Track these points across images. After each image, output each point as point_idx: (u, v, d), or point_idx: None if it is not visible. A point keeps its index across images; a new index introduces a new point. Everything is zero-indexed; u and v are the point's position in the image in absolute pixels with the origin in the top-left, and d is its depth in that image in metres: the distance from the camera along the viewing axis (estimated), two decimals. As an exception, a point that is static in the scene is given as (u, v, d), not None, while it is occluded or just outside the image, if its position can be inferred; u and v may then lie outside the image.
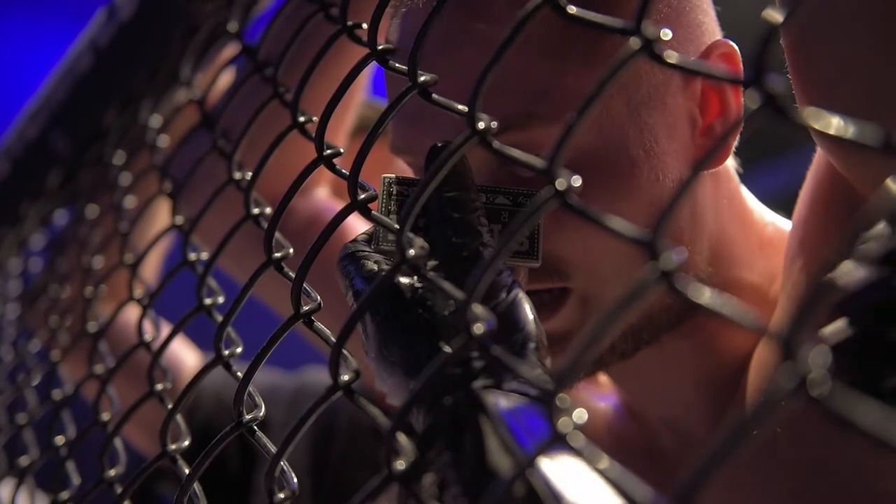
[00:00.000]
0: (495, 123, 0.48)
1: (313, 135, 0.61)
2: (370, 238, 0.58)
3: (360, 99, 1.07)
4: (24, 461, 0.92)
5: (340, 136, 1.01)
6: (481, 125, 0.48)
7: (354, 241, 0.58)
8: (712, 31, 0.71)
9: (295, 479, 0.53)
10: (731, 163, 0.75)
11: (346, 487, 1.28)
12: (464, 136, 0.48)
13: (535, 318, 0.52)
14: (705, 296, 0.36)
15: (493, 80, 0.65)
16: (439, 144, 0.58)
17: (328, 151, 0.59)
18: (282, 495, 0.52)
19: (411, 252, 0.48)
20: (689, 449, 0.75)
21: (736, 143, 0.71)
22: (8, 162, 1.26)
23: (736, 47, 0.69)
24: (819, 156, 0.67)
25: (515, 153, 0.47)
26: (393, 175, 0.61)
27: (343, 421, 1.33)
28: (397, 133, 0.70)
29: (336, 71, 0.88)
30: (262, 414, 0.57)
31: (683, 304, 0.37)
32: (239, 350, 0.63)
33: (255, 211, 0.66)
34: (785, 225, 0.76)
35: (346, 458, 1.31)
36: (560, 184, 0.43)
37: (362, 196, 0.54)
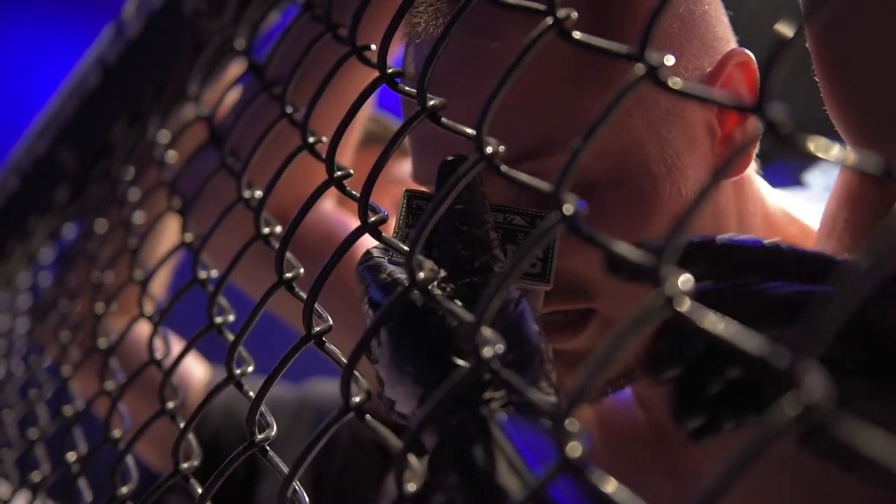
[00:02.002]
0: (503, 147, 0.48)
1: (323, 155, 0.61)
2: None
3: (366, 115, 1.08)
4: (36, 476, 0.92)
5: (347, 152, 1.01)
6: (489, 149, 0.48)
7: (374, 248, 0.59)
8: (726, 39, 0.71)
9: (307, 499, 0.53)
10: (752, 170, 0.74)
11: (346, 500, 1.29)
12: (472, 160, 0.48)
13: (541, 331, 0.53)
14: (709, 320, 0.37)
15: (513, 108, 0.66)
16: (450, 159, 0.59)
17: (339, 173, 0.60)
18: None
19: (421, 275, 0.48)
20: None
21: (757, 149, 0.71)
22: (16, 177, 1.27)
23: (751, 55, 0.69)
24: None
25: (523, 177, 0.47)
26: (414, 189, 0.62)
27: (344, 434, 1.34)
28: (417, 162, 0.70)
29: (345, 90, 0.89)
30: (273, 433, 0.57)
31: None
32: (250, 369, 0.63)
33: (266, 230, 0.66)
34: (807, 219, 0.76)
35: (346, 471, 1.32)
36: (567, 209, 0.43)
37: (373, 218, 0.54)
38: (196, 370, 1.35)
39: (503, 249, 0.58)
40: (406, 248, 0.49)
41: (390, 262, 0.56)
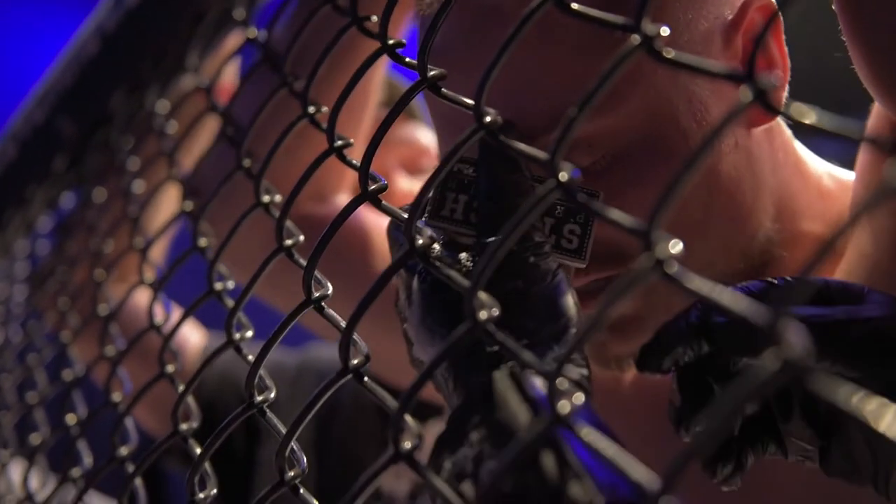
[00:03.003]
0: (501, 118, 0.49)
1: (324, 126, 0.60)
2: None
3: (376, 98, 1.06)
4: (34, 439, 0.93)
5: (360, 137, 1.00)
6: (487, 119, 0.49)
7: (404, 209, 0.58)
8: None
9: (304, 458, 0.54)
10: (781, 120, 0.73)
11: (349, 463, 1.30)
12: (470, 129, 0.49)
13: (577, 303, 0.53)
14: (696, 284, 0.38)
15: (528, 82, 0.65)
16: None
17: (339, 143, 0.59)
18: (292, 473, 0.53)
19: (420, 241, 0.49)
20: None
21: (786, 94, 0.69)
22: (15, 145, 1.28)
23: None
24: (877, 106, 0.66)
25: (521, 147, 0.48)
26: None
27: (347, 397, 1.36)
28: (441, 140, 0.70)
29: (351, 66, 0.87)
30: (272, 395, 0.58)
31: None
32: (249, 334, 0.64)
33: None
34: (841, 173, 0.76)
35: (349, 434, 1.33)
36: (562, 176, 0.44)
37: (373, 187, 0.54)
38: (191, 336, 1.37)
39: (542, 221, 0.58)
40: (405, 214, 0.50)
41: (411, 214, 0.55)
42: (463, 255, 0.55)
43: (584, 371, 0.50)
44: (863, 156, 0.69)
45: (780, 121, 0.74)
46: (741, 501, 0.73)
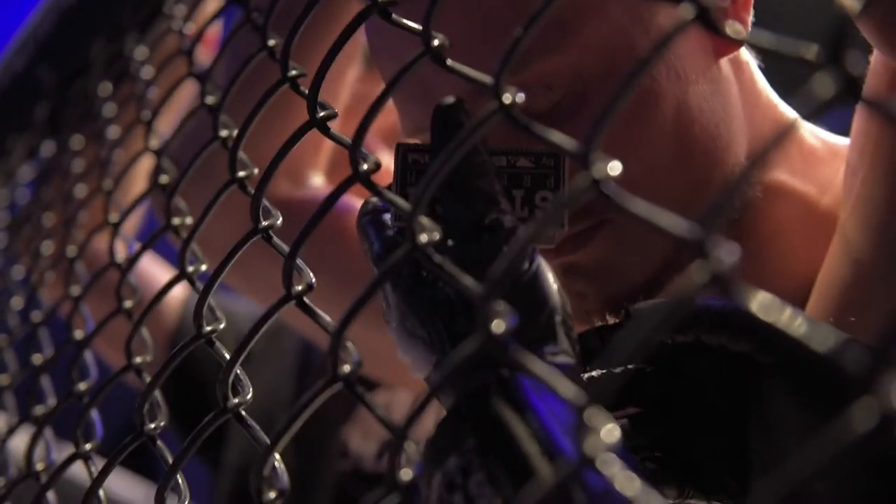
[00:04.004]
0: (522, 96, 0.44)
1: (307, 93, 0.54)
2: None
3: (355, 71, 1.03)
4: (3, 380, 0.94)
5: (342, 90, 0.97)
6: (507, 99, 0.43)
7: (371, 198, 0.55)
8: None
9: (286, 478, 0.48)
10: (750, 57, 0.72)
11: (312, 422, 1.30)
12: (487, 111, 0.43)
13: (559, 287, 0.50)
14: (633, 204, 0.38)
15: (490, 16, 0.63)
16: (447, 102, 0.54)
17: (322, 113, 0.54)
18: (272, 494, 0.47)
19: (422, 238, 0.44)
20: None
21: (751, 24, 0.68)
22: (-5, 94, 1.27)
23: None
24: (876, 65, 0.62)
25: (544, 130, 0.43)
26: (409, 142, 0.57)
27: (318, 357, 1.36)
28: (404, 110, 0.66)
29: (335, 29, 0.82)
30: (221, 326, 0.58)
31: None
32: (204, 267, 0.64)
33: (265, 223, 0.57)
34: (829, 136, 0.74)
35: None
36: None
37: (364, 167, 0.49)
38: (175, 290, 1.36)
39: (510, 196, 0.55)
40: (406, 206, 0.45)
41: (392, 215, 0.53)
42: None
43: (571, 360, 0.48)
44: (858, 120, 0.67)
45: (750, 63, 0.72)
46: None
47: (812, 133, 0.74)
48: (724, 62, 0.69)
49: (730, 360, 0.48)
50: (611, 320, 0.69)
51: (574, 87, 0.63)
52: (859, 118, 0.67)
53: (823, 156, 0.73)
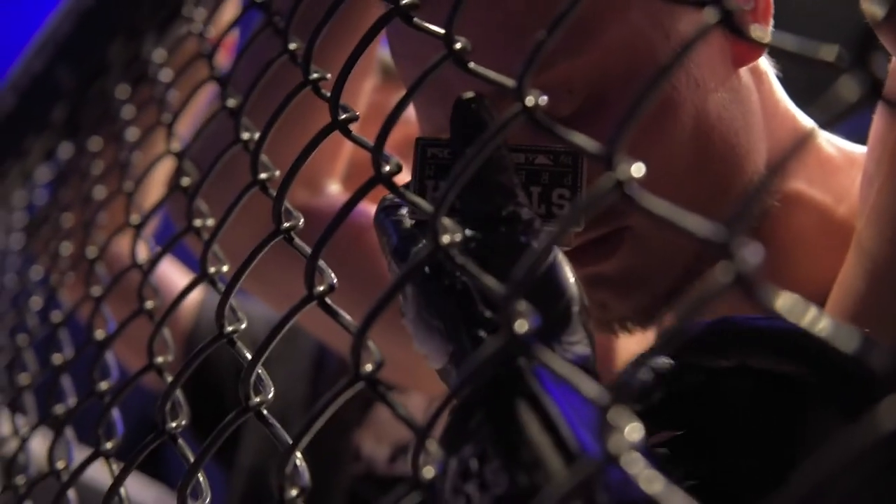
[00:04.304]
0: (544, 99, 0.44)
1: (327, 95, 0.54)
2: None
3: (373, 78, 1.03)
4: (24, 379, 0.94)
5: (361, 99, 0.97)
6: (530, 101, 0.43)
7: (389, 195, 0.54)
8: None
9: (307, 476, 0.48)
10: (769, 67, 0.73)
11: (329, 423, 1.31)
12: (510, 113, 0.43)
13: (576, 279, 0.50)
14: (656, 205, 0.38)
15: (511, 19, 0.63)
16: (467, 96, 0.54)
17: (343, 116, 0.54)
18: (294, 492, 0.47)
19: (445, 239, 0.44)
20: None
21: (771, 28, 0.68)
22: (14, 96, 1.28)
23: None
24: (894, 73, 0.62)
25: (566, 132, 0.43)
26: (428, 137, 0.57)
27: (332, 359, 1.36)
28: (422, 109, 0.66)
29: (357, 33, 0.81)
30: (243, 326, 0.58)
31: None
32: (225, 268, 0.64)
33: (286, 224, 0.57)
34: (846, 145, 0.74)
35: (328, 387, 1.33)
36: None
37: (387, 168, 0.49)
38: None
39: (527, 193, 0.55)
40: (428, 207, 0.45)
41: (410, 214, 0.53)
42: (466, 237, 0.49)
43: (588, 351, 0.48)
44: (875, 129, 0.66)
45: (770, 74, 0.73)
46: None
47: (829, 141, 0.74)
48: (744, 71, 0.69)
49: (775, 382, 0.47)
50: (632, 329, 0.69)
51: (595, 90, 0.63)
52: (877, 127, 0.67)
53: (840, 164, 0.73)
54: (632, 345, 0.81)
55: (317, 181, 0.99)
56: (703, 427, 0.49)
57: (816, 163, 0.73)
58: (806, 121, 0.74)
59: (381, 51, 1.06)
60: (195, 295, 1.36)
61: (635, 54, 0.63)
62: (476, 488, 0.42)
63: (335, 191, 0.99)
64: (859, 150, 0.73)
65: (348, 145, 0.99)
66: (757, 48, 0.68)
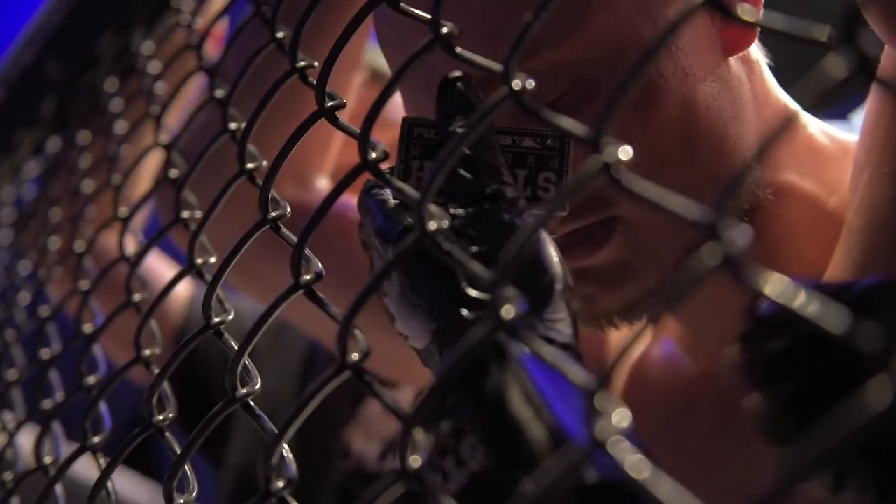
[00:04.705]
0: (532, 82, 0.43)
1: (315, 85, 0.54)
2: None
3: (363, 48, 1.03)
4: (11, 375, 0.94)
5: (350, 93, 0.96)
6: (517, 84, 0.43)
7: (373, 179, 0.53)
8: None
9: (294, 467, 0.47)
10: (761, 56, 0.72)
11: (317, 416, 1.30)
12: (497, 96, 0.43)
13: (560, 258, 0.50)
14: (644, 188, 0.37)
15: (500, 7, 0.62)
16: (453, 76, 0.54)
17: (330, 103, 0.53)
18: (280, 483, 0.46)
19: (432, 225, 0.43)
20: None
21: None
22: (3, 89, 1.27)
23: None
24: (887, 59, 0.61)
25: (553, 116, 0.42)
26: (415, 116, 0.57)
27: (322, 357, 1.35)
28: (408, 94, 0.65)
29: (343, 19, 0.80)
30: (230, 318, 0.58)
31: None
32: (212, 259, 0.64)
33: (273, 213, 0.57)
34: (839, 133, 0.73)
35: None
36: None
37: (373, 155, 0.49)
38: (180, 286, 1.36)
39: (513, 175, 0.55)
40: (415, 192, 0.45)
41: (394, 196, 0.53)
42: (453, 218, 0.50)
43: (571, 332, 0.48)
44: (867, 118, 0.66)
45: (760, 62, 0.72)
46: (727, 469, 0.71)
47: (822, 131, 0.73)
48: (734, 60, 0.68)
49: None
50: (618, 324, 0.69)
51: (582, 77, 0.62)
52: (868, 116, 0.66)
53: (833, 154, 0.72)
54: (620, 340, 0.80)
55: (305, 176, 0.98)
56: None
57: (808, 153, 0.72)
58: (799, 111, 0.74)
59: (370, 53, 1.06)
60: (185, 291, 1.35)
61: (622, 41, 0.63)
62: (452, 464, 0.42)
63: (324, 186, 0.99)
64: (854, 139, 0.72)
65: (337, 141, 0.98)
66: (747, 36, 0.67)
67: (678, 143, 0.65)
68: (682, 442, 0.73)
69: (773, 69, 0.74)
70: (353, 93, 0.99)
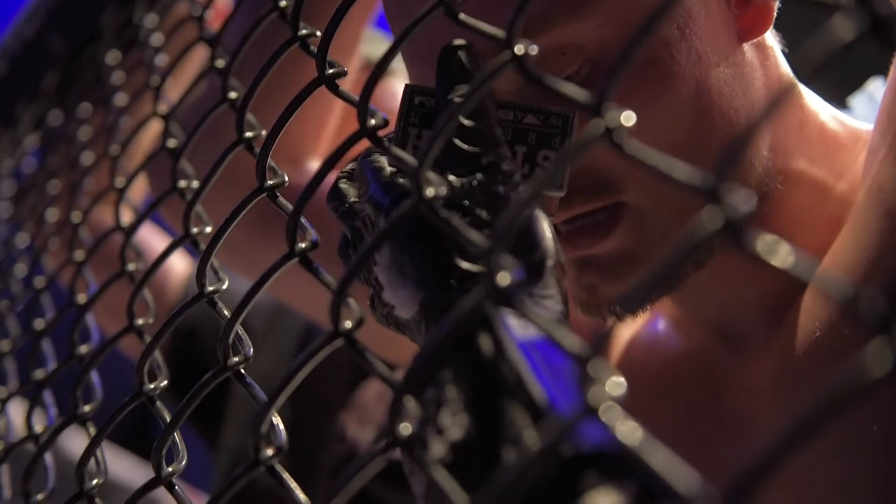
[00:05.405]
0: (535, 48, 0.43)
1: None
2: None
3: (364, 33, 1.02)
4: (4, 346, 0.93)
5: (349, 73, 0.95)
6: (519, 49, 0.42)
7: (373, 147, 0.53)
8: None
9: (284, 436, 0.47)
10: (775, 43, 0.71)
11: (313, 402, 1.30)
12: (498, 61, 0.42)
13: (553, 235, 0.49)
14: (646, 154, 0.37)
15: None
16: (454, 44, 0.54)
17: (331, 71, 0.53)
18: (270, 451, 0.46)
19: (429, 192, 0.43)
20: (742, 355, 0.71)
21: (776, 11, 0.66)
22: (5, 62, 1.27)
23: None
24: None
25: (556, 83, 0.42)
26: (417, 84, 0.56)
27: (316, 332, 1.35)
28: (410, 63, 0.64)
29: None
30: (224, 287, 0.57)
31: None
32: (208, 229, 0.63)
33: (270, 182, 0.56)
34: (852, 121, 0.72)
35: (317, 373, 1.32)
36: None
37: (372, 122, 0.48)
38: (177, 262, 1.36)
39: (512, 150, 0.54)
40: (413, 159, 0.45)
41: (391, 164, 0.52)
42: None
43: (561, 308, 0.47)
44: (883, 101, 0.65)
45: (774, 48, 0.71)
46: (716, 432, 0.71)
47: (834, 118, 0.72)
48: (748, 47, 0.68)
49: None
50: (621, 314, 0.68)
51: (590, 57, 0.61)
52: (885, 98, 0.65)
53: (845, 141, 0.71)
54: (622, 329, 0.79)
55: (300, 158, 0.97)
56: None
57: (820, 140, 0.71)
58: (811, 99, 0.73)
59: (366, 44, 1.05)
60: (183, 268, 1.35)
61: (633, 22, 0.62)
62: (434, 433, 0.41)
63: (316, 168, 0.98)
64: (867, 127, 0.71)
65: (331, 123, 0.98)
66: (763, 21, 0.66)
67: (689, 128, 0.64)
68: (664, 418, 0.73)
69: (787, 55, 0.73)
70: (351, 71, 0.98)
